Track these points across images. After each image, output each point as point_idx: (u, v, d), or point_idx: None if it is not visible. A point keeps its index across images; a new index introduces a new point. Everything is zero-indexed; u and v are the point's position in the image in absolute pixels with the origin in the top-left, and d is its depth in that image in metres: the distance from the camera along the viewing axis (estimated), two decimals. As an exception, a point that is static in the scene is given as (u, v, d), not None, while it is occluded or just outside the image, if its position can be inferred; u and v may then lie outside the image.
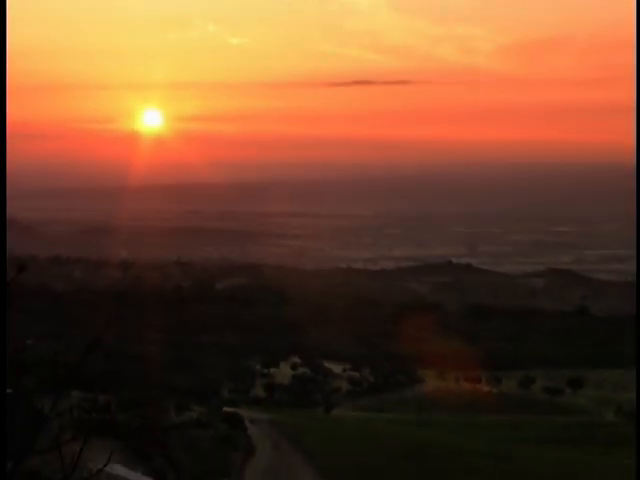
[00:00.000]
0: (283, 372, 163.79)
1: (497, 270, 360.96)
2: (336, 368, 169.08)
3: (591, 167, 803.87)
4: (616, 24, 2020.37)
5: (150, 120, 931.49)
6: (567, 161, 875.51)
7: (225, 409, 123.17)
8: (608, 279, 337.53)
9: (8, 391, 3.40)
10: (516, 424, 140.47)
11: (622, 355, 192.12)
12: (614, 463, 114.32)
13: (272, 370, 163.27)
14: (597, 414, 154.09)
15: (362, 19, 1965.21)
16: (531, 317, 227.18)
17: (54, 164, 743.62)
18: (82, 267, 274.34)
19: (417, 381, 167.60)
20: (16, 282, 3.27)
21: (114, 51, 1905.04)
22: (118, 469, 79.28)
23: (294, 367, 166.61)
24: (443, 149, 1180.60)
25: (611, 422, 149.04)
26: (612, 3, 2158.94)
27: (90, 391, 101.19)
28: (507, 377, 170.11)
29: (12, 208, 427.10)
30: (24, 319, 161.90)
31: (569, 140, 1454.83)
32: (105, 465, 4.07)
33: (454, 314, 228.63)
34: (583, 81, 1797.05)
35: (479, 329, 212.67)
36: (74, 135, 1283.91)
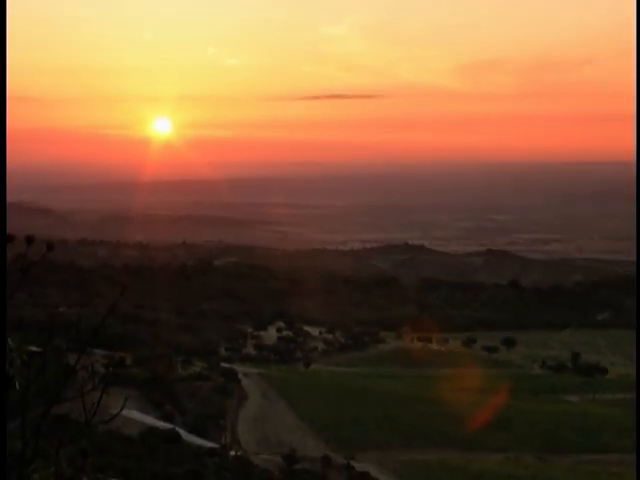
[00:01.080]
0: (270, 334, 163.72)
1: (445, 250, 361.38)
2: (313, 331, 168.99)
3: (524, 166, 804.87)
4: (544, 48, 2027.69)
5: (160, 127, 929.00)
6: (504, 161, 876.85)
7: (222, 364, 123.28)
8: (536, 258, 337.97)
9: (38, 350, 3.45)
10: (461, 376, 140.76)
11: (547, 319, 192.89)
12: (541, 407, 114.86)
13: (261, 333, 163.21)
14: (526, 367, 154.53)
15: (336, 45, 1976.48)
16: (473, 289, 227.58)
17: (80, 163, 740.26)
18: (104, 248, 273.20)
19: (379, 341, 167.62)
20: (45, 259, 3.23)
21: (130, 70, 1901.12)
22: (135, 414, 79.24)
23: (279, 330, 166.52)
24: (403, 151, 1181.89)
25: (538, 374, 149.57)
26: (540, 31, 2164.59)
27: (110, 349, 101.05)
28: (453, 338, 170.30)
29: (47, 200, 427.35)
30: (57, 290, 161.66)
31: (506, 143, 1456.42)
32: (121, 409, 4.08)
33: (410, 286, 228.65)
34: (517, 95, 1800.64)
35: (430, 298, 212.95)
36: (97, 139, 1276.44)
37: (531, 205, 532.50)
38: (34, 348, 3.45)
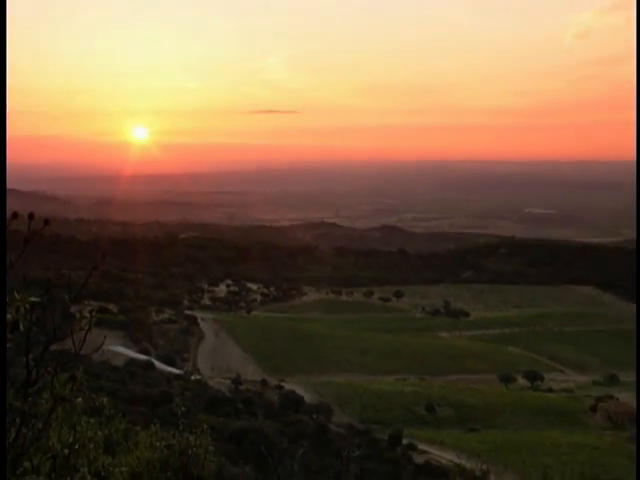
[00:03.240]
0: (221, 289, 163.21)
1: (351, 226, 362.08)
2: (253, 286, 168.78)
3: (408, 163, 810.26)
4: (422, 76, 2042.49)
5: (138, 134, 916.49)
6: (394, 159, 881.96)
7: (186, 312, 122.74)
8: (418, 231, 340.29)
9: (38, 300, 3.44)
10: (362, 319, 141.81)
11: (426, 277, 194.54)
12: (421, 341, 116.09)
13: (214, 288, 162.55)
14: (411, 312, 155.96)
15: (269, 73, 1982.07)
16: (372, 255, 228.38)
17: (78, 162, 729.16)
18: (97, 225, 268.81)
19: (303, 294, 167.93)
20: (44, 230, 3.29)
21: (115, 91, 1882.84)
22: (120, 349, 78.67)
23: (228, 286, 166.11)
24: (318, 152, 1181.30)
25: (419, 317, 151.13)
26: (420, 63, 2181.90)
27: (101, 301, 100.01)
28: (357, 291, 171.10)
29: (53, 189, 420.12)
30: (61, 258, 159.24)
31: (395, 146, 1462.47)
32: (102, 344, 4.06)
33: (326, 253, 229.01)
34: (403, 111, 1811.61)
35: (340, 262, 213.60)
36: (90, 143, 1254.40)
37: (414, 192, 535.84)
38: (34, 299, 3.46)
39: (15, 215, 3.34)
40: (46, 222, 3.53)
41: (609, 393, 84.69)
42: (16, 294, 3.36)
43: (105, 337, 4.43)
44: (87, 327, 3.68)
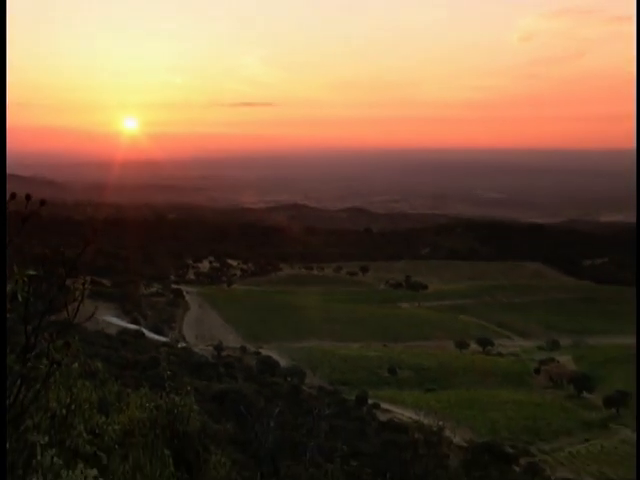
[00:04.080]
0: (204, 265, 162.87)
1: (321, 207, 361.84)
2: (233, 262, 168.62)
3: (372, 151, 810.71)
4: (385, 74, 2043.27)
5: (129, 124, 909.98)
6: (359, 147, 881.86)
7: (172, 286, 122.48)
8: (382, 212, 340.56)
9: (34, 273, 3.45)
10: (331, 292, 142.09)
11: (389, 253, 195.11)
12: (384, 311, 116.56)
13: (198, 264, 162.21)
14: (375, 285, 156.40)
15: (247, 69, 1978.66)
16: (340, 234, 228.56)
17: (75, 149, 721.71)
18: (92, 207, 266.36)
19: (278, 269, 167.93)
20: (41, 210, 3.32)
21: (109, 87, 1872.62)
22: (113, 319, 78.45)
23: (210, 262, 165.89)
24: (291, 141, 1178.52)
25: (383, 290, 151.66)
26: (382, 61, 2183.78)
27: (96, 276, 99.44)
28: (327, 267, 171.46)
29: (52, 175, 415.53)
30: (58, 236, 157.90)
31: (360, 136, 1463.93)
32: (93, 314, 4.09)
33: (298, 232, 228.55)
34: (372, 104, 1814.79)
35: (311, 240, 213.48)
36: (86, 133, 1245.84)
37: (378, 177, 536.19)
38: (32, 272, 3.50)
39: (13, 195, 3.38)
40: (42, 202, 3.53)
41: (551, 356, 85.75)
42: (15, 268, 3.39)
43: (96, 307, 4.44)
44: (80, 298, 3.68)
